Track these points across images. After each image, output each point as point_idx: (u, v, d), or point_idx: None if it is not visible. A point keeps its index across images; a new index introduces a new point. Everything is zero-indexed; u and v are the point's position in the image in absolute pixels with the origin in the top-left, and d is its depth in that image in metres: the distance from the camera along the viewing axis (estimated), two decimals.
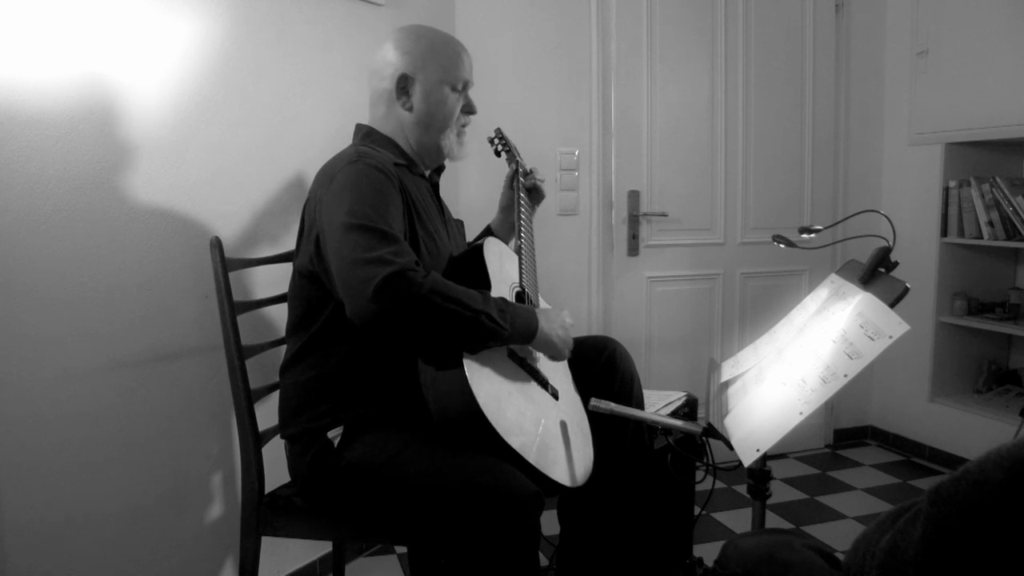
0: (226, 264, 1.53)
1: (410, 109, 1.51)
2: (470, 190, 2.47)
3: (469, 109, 1.59)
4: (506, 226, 1.83)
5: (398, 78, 1.50)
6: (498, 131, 1.81)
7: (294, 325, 1.49)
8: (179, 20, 1.67)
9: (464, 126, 1.59)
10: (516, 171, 1.76)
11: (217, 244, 1.52)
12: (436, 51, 1.52)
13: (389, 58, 1.52)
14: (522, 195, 1.72)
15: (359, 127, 1.59)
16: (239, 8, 1.80)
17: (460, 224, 1.80)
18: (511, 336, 1.32)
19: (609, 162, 2.78)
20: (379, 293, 1.18)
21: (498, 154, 1.77)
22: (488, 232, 1.83)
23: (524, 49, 2.63)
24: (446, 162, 1.62)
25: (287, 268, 1.78)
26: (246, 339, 1.56)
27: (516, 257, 1.60)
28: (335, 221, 1.29)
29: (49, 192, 1.45)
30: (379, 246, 1.23)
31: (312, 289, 1.43)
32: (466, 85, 1.57)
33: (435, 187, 1.63)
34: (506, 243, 1.74)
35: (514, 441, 1.24)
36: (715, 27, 2.88)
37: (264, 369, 1.68)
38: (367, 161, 1.37)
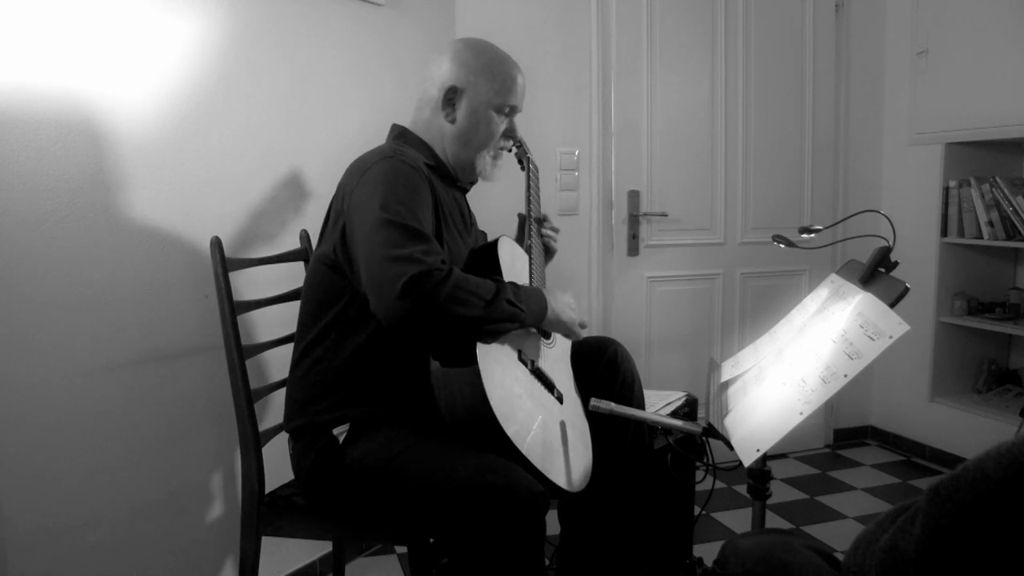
0: (226, 264, 1.53)
1: (452, 121, 1.52)
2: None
3: (511, 134, 1.59)
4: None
5: (447, 89, 1.50)
6: None
7: (307, 314, 1.49)
8: (178, 21, 1.67)
9: (502, 149, 1.60)
10: (528, 167, 1.75)
11: (217, 244, 1.52)
12: (492, 71, 1.52)
13: (444, 67, 1.52)
14: (532, 194, 1.72)
15: (394, 127, 1.60)
16: (239, 8, 1.80)
17: (484, 235, 1.80)
18: (527, 317, 1.35)
19: (609, 162, 2.78)
20: (406, 291, 1.19)
21: (508, 149, 1.77)
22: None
23: (524, 49, 2.60)
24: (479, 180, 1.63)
25: (288, 268, 1.79)
26: (246, 339, 1.56)
27: (527, 257, 1.61)
28: (367, 215, 1.30)
29: (48, 192, 1.45)
30: (409, 244, 1.25)
31: (331, 278, 1.43)
32: (513, 110, 1.57)
33: (463, 192, 1.64)
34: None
35: (520, 444, 1.24)
36: (715, 27, 2.88)
37: (264, 369, 1.69)
38: (401, 158, 1.38)
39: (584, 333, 1.53)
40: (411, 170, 1.37)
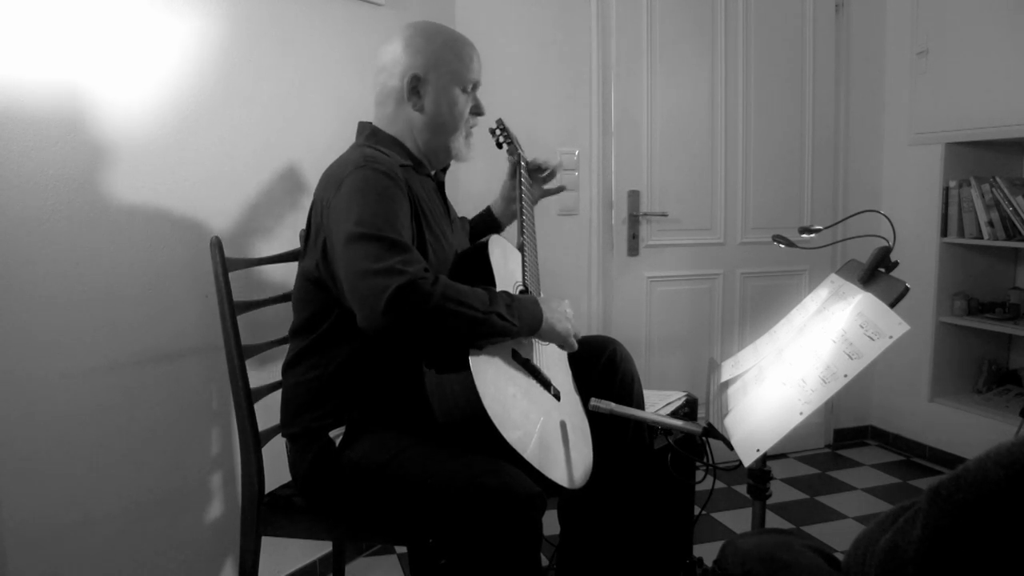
0: (226, 264, 1.53)
1: (421, 110, 1.50)
2: (473, 187, 2.45)
3: (477, 110, 1.58)
4: (507, 214, 1.84)
5: (410, 78, 1.48)
6: (499, 122, 1.79)
7: (298, 327, 1.49)
8: (178, 20, 1.67)
9: (472, 127, 1.59)
10: (518, 162, 1.75)
11: (217, 244, 1.52)
12: (448, 51, 1.50)
13: (399, 56, 1.49)
14: (524, 189, 1.72)
15: (363, 126, 1.57)
16: (239, 8, 1.80)
17: (464, 221, 1.80)
18: (520, 331, 1.33)
19: (609, 162, 2.78)
20: (391, 305, 1.18)
21: (499, 145, 1.76)
22: (489, 214, 1.85)
23: (524, 49, 2.63)
24: (451, 162, 1.62)
25: (288, 268, 1.79)
26: (246, 339, 1.56)
27: (519, 255, 1.60)
28: (344, 230, 1.28)
29: (49, 192, 1.45)
30: (388, 256, 1.23)
31: (318, 294, 1.43)
32: (475, 86, 1.56)
33: (440, 186, 1.63)
34: (503, 226, 1.76)
35: (516, 442, 1.24)
36: (715, 27, 2.88)
37: (264, 369, 1.69)
38: (374, 166, 1.36)
39: (576, 344, 1.51)
40: (385, 178, 1.35)
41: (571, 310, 1.50)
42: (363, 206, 1.29)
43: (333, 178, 1.39)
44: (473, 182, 2.42)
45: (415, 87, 1.49)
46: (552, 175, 1.82)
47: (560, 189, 1.86)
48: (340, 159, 1.46)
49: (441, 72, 1.49)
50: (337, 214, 1.32)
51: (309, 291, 1.45)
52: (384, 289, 1.18)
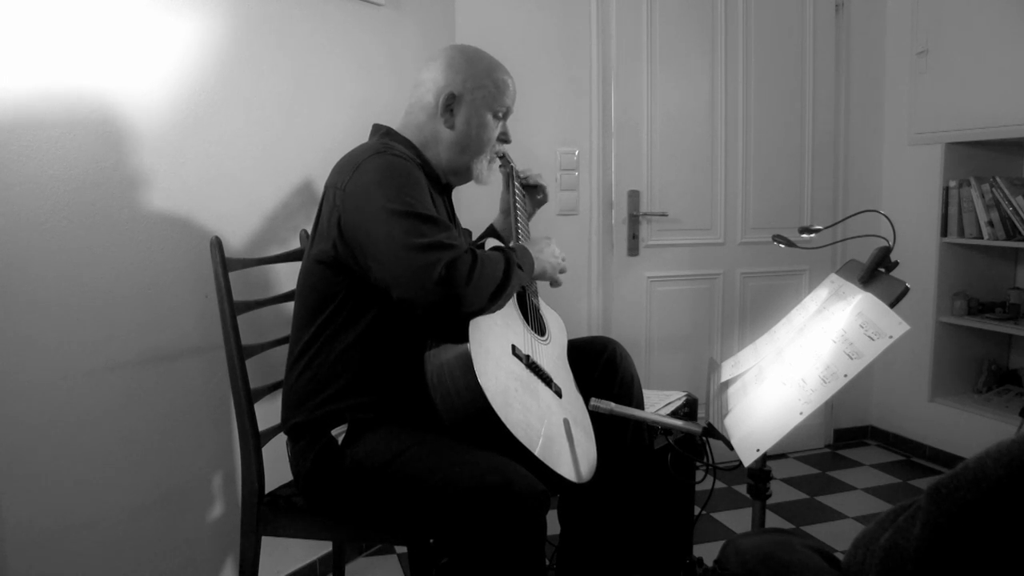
0: (226, 264, 1.53)
1: (451, 127, 1.53)
2: (473, 197, 2.45)
3: (504, 138, 1.62)
4: (509, 227, 1.84)
5: (446, 95, 1.51)
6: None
7: (303, 315, 1.48)
8: (179, 20, 1.67)
9: (497, 153, 1.62)
10: (510, 173, 1.77)
11: (217, 244, 1.52)
12: (487, 76, 1.54)
13: (439, 73, 1.53)
14: (518, 198, 1.73)
15: (378, 126, 1.59)
16: (239, 8, 1.80)
17: (468, 233, 1.81)
18: (528, 276, 1.46)
19: (609, 162, 2.78)
20: (446, 278, 1.24)
21: (500, 155, 1.78)
22: (492, 230, 1.85)
23: (524, 49, 2.63)
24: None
25: (288, 268, 1.79)
26: (246, 339, 1.56)
27: None
28: (376, 208, 1.31)
29: (49, 193, 1.45)
30: (432, 231, 1.29)
31: (330, 276, 1.43)
32: (507, 113, 1.59)
33: (448, 191, 1.64)
34: (507, 241, 1.75)
35: (521, 437, 1.24)
36: (715, 27, 2.88)
37: (264, 369, 1.69)
38: (393, 152, 1.40)
39: (564, 279, 1.61)
40: (406, 164, 1.39)
41: (558, 248, 1.60)
42: (391, 186, 1.33)
43: (349, 163, 1.42)
44: (474, 193, 2.41)
45: (449, 104, 1.52)
46: (541, 193, 1.82)
47: (543, 200, 1.85)
48: (355, 149, 1.48)
49: (476, 95, 1.53)
50: (361, 195, 1.34)
51: (321, 275, 1.44)
52: (435, 263, 1.24)
